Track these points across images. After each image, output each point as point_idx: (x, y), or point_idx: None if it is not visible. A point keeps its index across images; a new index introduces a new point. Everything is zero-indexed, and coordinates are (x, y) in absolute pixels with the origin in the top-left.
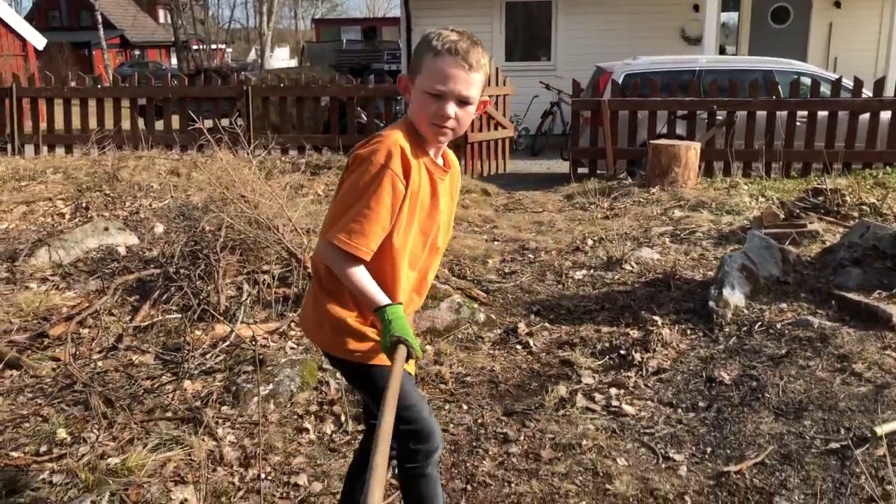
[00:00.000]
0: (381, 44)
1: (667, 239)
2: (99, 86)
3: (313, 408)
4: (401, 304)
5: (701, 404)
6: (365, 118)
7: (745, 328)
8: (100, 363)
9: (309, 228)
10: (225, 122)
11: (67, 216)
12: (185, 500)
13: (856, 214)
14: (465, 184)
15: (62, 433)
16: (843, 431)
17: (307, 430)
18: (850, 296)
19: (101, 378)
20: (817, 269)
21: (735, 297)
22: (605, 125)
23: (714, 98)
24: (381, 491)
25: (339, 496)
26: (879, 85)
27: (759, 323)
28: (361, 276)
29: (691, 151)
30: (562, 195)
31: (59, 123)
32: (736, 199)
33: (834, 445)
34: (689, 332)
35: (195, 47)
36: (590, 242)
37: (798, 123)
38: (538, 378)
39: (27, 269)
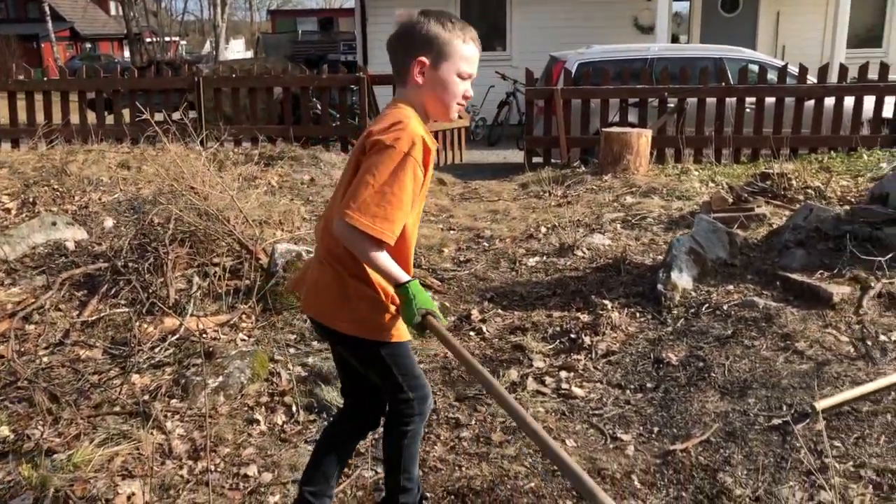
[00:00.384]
0: (338, 35)
1: (618, 225)
2: (45, 78)
3: (264, 399)
4: (416, 279)
5: (649, 385)
6: (320, 108)
7: (692, 310)
8: (45, 359)
9: (262, 220)
10: (176, 115)
11: (14, 212)
12: (133, 493)
13: (801, 198)
14: None
15: (5, 430)
16: (785, 408)
17: (258, 422)
18: (794, 276)
19: (46, 374)
20: (763, 251)
21: (683, 279)
22: (559, 114)
23: (665, 86)
24: None
25: (301, 475)
26: (823, 72)
27: (707, 305)
28: (384, 257)
29: (643, 139)
30: (517, 184)
31: (3, 117)
32: (686, 184)
33: (776, 422)
34: (638, 315)
35: (148, 40)
36: (543, 230)
37: (747, 110)
38: (491, 363)
39: None
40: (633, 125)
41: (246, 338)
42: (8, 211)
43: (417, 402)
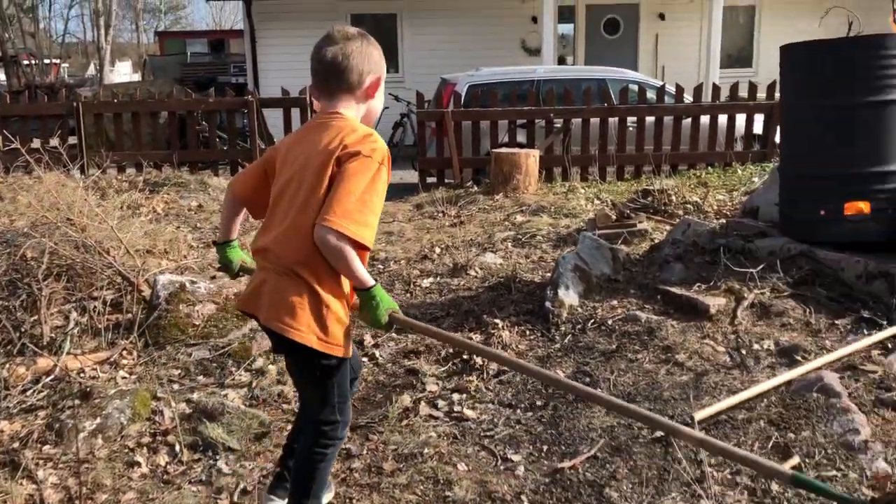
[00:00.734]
0: (229, 56)
1: (509, 243)
2: None
3: (146, 439)
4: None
5: (538, 403)
6: (208, 133)
7: (579, 326)
8: None
9: (146, 249)
10: (54, 141)
11: None
12: None
13: (681, 213)
14: None
15: None
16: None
17: (139, 464)
18: (674, 290)
19: None
20: (645, 265)
21: (569, 296)
22: (450, 136)
23: (551, 107)
24: None
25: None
26: (698, 91)
27: (592, 320)
28: (359, 261)
29: (531, 159)
30: (411, 205)
31: None
32: (573, 202)
33: (658, 434)
34: (528, 332)
35: (26, 62)
36: (437, 250)
37: (630, 128)
38: (384, 389)
39: None
40: (521, 145)
41: (127, 375)
42: None
43: (342, 426)
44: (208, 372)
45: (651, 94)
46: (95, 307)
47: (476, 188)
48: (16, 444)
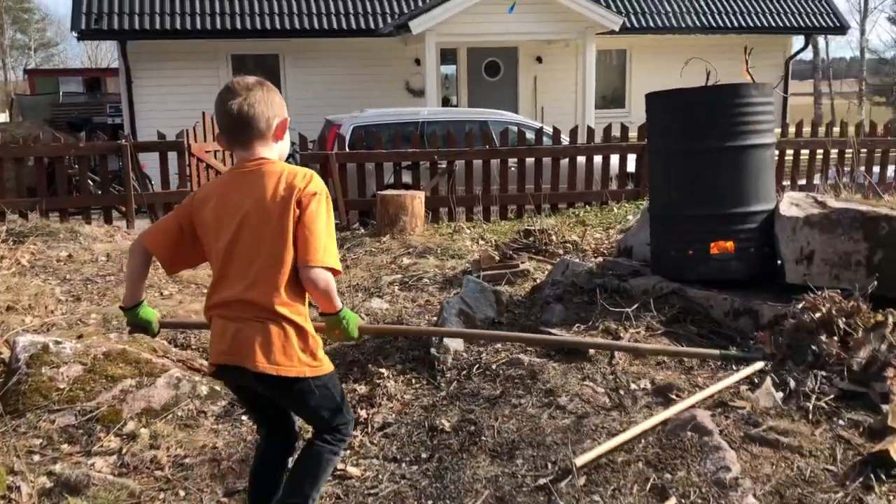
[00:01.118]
0: (105, 96)
1: (396, 287)
2: None
3: None
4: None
5: (423, 455)
6: (79, 178)
7: (464, 372)
8: None
9: (7, 305)
10: None
11: None
12: None
13: (561, 252)
14: None
15: None
16: (550, 466)
17: None
18: (554, 331)
19: None
20: (527, 307)
21: (454, 341)
22: (335, 178)
23: (435, 148)
24: None
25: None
26: (574, 133)
27: (477, 365)
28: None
29: (416, 200)
30: None
31: None
32: (459, 243)
33: (542, 481)
34: (414, 381)
35: None
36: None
37: (511, 169)
38: None
39: None
40: (407, 186)
41: None
42: None
43: (350, 424)
44: (74, 439)
45: (530, 136)
46: None
47: (363, 230)
48: None
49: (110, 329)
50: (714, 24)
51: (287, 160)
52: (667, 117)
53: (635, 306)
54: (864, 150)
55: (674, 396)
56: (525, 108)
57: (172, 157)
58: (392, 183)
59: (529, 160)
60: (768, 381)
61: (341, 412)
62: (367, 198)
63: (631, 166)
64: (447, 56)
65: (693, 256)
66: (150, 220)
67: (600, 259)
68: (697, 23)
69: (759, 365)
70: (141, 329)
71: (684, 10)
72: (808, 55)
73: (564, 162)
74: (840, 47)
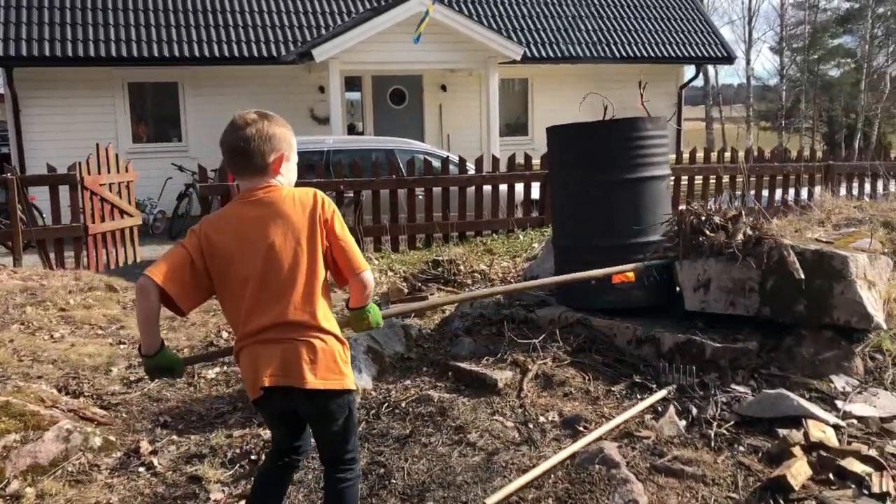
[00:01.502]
0: None
1: None
2: None
3: None
4: None
5: None
6: None
7: (373, 411)
8: None
9: None
10: None
11: None
12: None
13: (469, 282)
14: (88, 281)
15: None
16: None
17: None
18: (463, 365)
19: None
20: (437, 340)
21: (363, 380)
22: None
23: (340, 179)
24: None
25: None
26: (479, 162)
27: (386, 404)
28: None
29: None
30: None
31: None
32: None
33: None
34: None
35: None
36: (224, 335)
37: (419, 197)
38: (163, 502)
39: None
40: None
41: None
42: None
43: (357, 456)
44: None
45: (437, 164)
46: None
47: None
48: None
49: None
50: (611, 55)
51: (186, 190)
52: (566, 151)
53: (542, 337)
54: (754, 176)
55: (581, 428)
56: (431, 136)
57: (64, 191)
58: None
59: (436, 189)
60: (671, 409)
61: (355, 438)
62: None
63: (535, 193)
64: (352, 82)
65: (596, 286)
66: (40, 257)
67: None
68: (595, 53)
69: (661, 393)
70: (166, 374)
71: (583, 40)
72: (699, 82)
73: (471, 190)
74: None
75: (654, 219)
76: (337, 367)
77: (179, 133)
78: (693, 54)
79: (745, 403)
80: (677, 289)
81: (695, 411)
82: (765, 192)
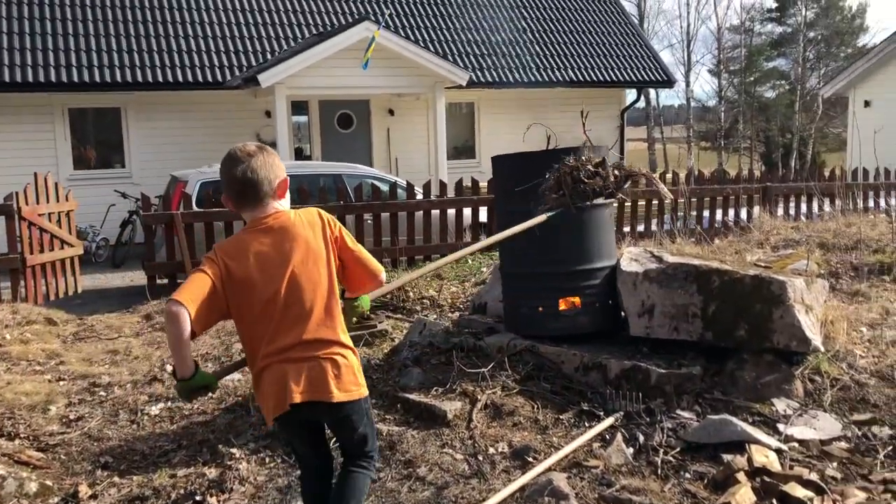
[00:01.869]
0: None
1: None
2: None
3: None
4: None
5: None
6: None
7: None
8: None
9: None
10: None
11: None
12: None
13: (419, 308)
14: (26, 314)
15: None
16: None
17: None
18: (412, 397)
19: None
20: (386, 370)
21: None
22: (181, 239)
23: None
24: None
25: None
26: (427, 187)
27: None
28: None
29: None
30: (140, 315)
31: None
32: None
33: None
34: (268, 460)
35: None
36: (168, 369)
37: (367, 222)
38: None
39: None
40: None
41: None
42: None
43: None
44: None
45: (385, 189)
46: None
47: None
48: None
49: None
50: (555, 79)
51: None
52: (510, 180)
53: (491, 365)
54: (694, 197)
55: (531, 459)
56: (379, 159)
57: (1, 220)
58: None
59: (384, 214)
60: (619, 437)
61: (374, 436)
62: None
63: (484, 217)
64: (299, 106)
65: (543, 313)
66: None
67: (457, 315)
68: (540, 78)
69: (609, 421)
70: (202, 393)
71: (528, 66)
72: (641, 104)
73: (419, 215)
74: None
75: (598, 246)
76: (356, 379)
77: (123, 159)
78: (634, 78)
79: (691, 430)
80: (622, 314)
81: (642, 438)
82: (706, 213)
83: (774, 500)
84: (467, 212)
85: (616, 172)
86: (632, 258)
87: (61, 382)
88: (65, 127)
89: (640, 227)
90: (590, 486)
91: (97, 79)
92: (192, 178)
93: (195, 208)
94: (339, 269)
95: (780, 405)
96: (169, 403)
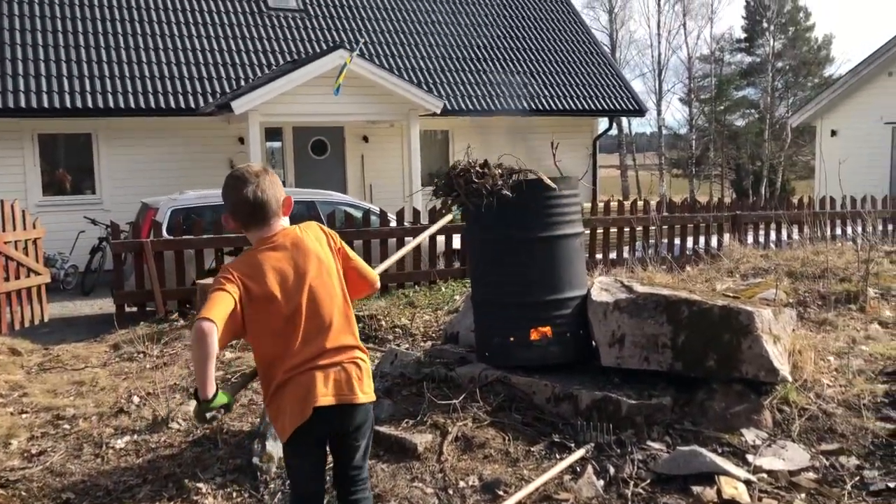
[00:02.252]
0: None
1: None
2: None
3: None
4: None
5: None
6: None
7: (288, 482)
8: None
9: None
10: None
11: None
12: None
13: (391, 337)
14: None
15: None
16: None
17: None
18: (383, 429)
19: None
20: None
21: (278, 448)
22: (151, 267)
23: None
24: None
25: None
26: (400, 214)
27: None
28: None
29: None
30: (107, 345)
31: None
32: None
33: None
34: (235, 494)
35: None
36: (136, 400)
37: None
38: None
39: None
40: None
41: None
42: None
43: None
44: None
45: (358, 216)
46: None
47: (182, 321)
48: None
49: None
50: (528, 108)
51: (99, 244)
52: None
53: (462, 396)
54: (666, 225)
55: (501, 493)
56: (354, 186)
57: None
58: (214, 268)
59: (357, 242)
60: (589, 469)
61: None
62: (186, 286)
63: (457, 243)
64: (273, 132)
65: (515, 343)
66: None
67: (430, 344)
68: (513, 106)
69: (580, 453)
70: (220, 412)
71: (502, 94)
72: (614, 131)
73: (392, 242)
74: (641, 124)
75: (569, 276)
76: (370, 381)
77: (93, 185)
78: (606, 107)
79: (661, 461)
80: (594, 343)
81: (612, 470)
82: (677, 241)
83: None
84: (441, 239)
85: (500, 171)
86: (602, 288)
87: (24, 415)
88: (34, 153)
89: (613, 255)
90: None
91: (68, 104)
92: (163, 206)
93: (165, 236)
94: None
95: (749, 435)
96: (135, 436)
